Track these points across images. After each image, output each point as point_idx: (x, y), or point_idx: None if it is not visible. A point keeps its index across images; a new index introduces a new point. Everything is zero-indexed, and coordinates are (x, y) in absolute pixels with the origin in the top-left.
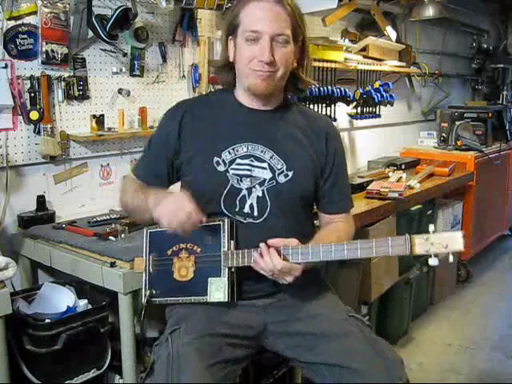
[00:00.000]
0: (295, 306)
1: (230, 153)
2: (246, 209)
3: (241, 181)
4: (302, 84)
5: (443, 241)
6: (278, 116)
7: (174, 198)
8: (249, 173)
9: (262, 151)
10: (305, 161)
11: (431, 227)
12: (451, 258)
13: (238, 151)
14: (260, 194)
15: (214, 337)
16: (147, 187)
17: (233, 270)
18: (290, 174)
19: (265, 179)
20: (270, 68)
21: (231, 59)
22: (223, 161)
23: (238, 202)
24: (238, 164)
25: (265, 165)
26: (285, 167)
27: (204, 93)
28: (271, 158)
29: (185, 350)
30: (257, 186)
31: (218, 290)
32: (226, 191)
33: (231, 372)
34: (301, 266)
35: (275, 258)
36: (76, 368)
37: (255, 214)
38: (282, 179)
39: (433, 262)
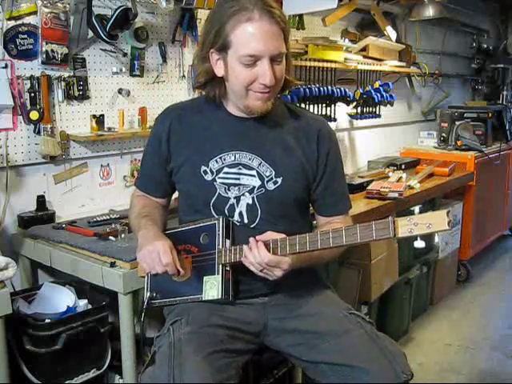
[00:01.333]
0: (295, 303)
1: (217, 162)
2: (236, 217)
3: (228, 190)
4: (286, 84)
5: (427, 220)
6: (266, 122)
7: (152, 248)
8: (237, 181)
9: (249, 159)
10: (294, 166)
11: (416, 209)
12: (436, 239)
13: (225, 160)
14: (250, 202)
15: (214, 328)
16: (150, 204)
17: (227, 267)
18: (279, 180)
19: (254, 187)
20: (270, 88)
21: (219, 75)
22: (210, 170)
23: (226, 211)
24: (225, 173)
25: (253, 172)
26: (273, 174)
27: (194, 96)
28: (259, 165)
29: (186, 339)
30: (246, 194)
31: (212, 287)
32: (213, 200)
33: (232, 362)
34: (289, 259)
35: (262, 251)
36: (76, 368)
37: (245, 221)
38: (271, 186)
39: (418, 244)
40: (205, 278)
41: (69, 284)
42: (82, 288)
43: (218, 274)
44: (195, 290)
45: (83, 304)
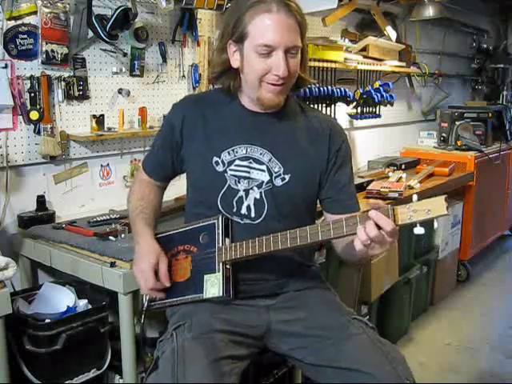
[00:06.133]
0: (298, 306)
1: (229, 153)
2: (243, 210)
3: (238, 182)
4: (301, 83)
5: (425, 206)
6: (279, 118)
7: (136, 273)
8: (247, 174)
9: (260, 153)
10: (304, 164)
11: (414, 197)
12: (436, 225)
13: (237, 152)
14: (258, 196)
15: (217, 333)
16: (153, 184)
17: (228, 265)
18: (287, 177)
19: (263, 181)
20: (283, 80)
21: (235, 66)
22: (222, 161)
23: (234, 203)
24: (236, 165)
25: (263, 167)
26: (282, 170)
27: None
28: (269, 160)
29: (190, 345)
30: (255, 188)
31: (213, 285)
32: (222, 192)
33: (234, 369)
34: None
35: (388, 220)
36: (76, 368)
37: (252, 215)
38: (278, 182)
39: (418, 230)
40: (205, 277)
41: (69, 284)
42: (82, 288)
43: (218, 271)
44: (195, 290)
45: (83, 304)
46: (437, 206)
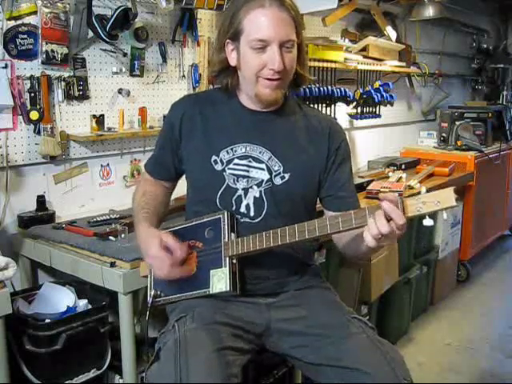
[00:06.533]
0: (298, 305)
1: (228, 152)
2: (242, 208)
3: (237, 181)
4: (300, 80)
5: (434, 198)
6: (278, 117)
7: (147, 261)
8: (246, 173)
9: (260, 152)
10: (303, 163)
11: (423, 189)
12: (445, 215)
13: (236, 151)
14: (257, 195)
15: (219, 325)
16: (155, 186)
17: (234, 260)
18: (287, 176)
19: (262, 180)
20: (279, 75)
21: (233, 64)
22: (221, 160)
23: (233, 202)
24: (235, 164)
25: (263, 166)
26: (282, 169)
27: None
28: (269, 159)
29: (192, 335)
30: (254, 187)
31: (219, 280)
32: (221, 190)
33: (236, 360)
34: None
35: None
36: (76, 368)
37: (251, 214)
38: (278, 181)
39: (427, 222)
40: (211, 272)
41: (69, 284)
42: (82, 288)
43: (225, 266)
44: (201, 285)
45: (83, 304)
46: (446, 197)
